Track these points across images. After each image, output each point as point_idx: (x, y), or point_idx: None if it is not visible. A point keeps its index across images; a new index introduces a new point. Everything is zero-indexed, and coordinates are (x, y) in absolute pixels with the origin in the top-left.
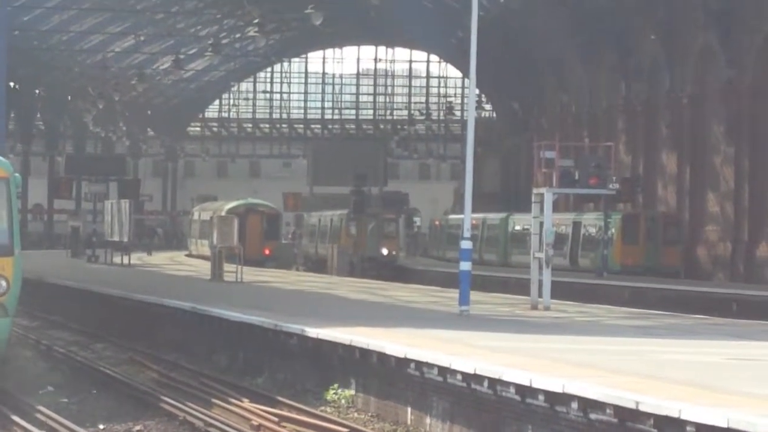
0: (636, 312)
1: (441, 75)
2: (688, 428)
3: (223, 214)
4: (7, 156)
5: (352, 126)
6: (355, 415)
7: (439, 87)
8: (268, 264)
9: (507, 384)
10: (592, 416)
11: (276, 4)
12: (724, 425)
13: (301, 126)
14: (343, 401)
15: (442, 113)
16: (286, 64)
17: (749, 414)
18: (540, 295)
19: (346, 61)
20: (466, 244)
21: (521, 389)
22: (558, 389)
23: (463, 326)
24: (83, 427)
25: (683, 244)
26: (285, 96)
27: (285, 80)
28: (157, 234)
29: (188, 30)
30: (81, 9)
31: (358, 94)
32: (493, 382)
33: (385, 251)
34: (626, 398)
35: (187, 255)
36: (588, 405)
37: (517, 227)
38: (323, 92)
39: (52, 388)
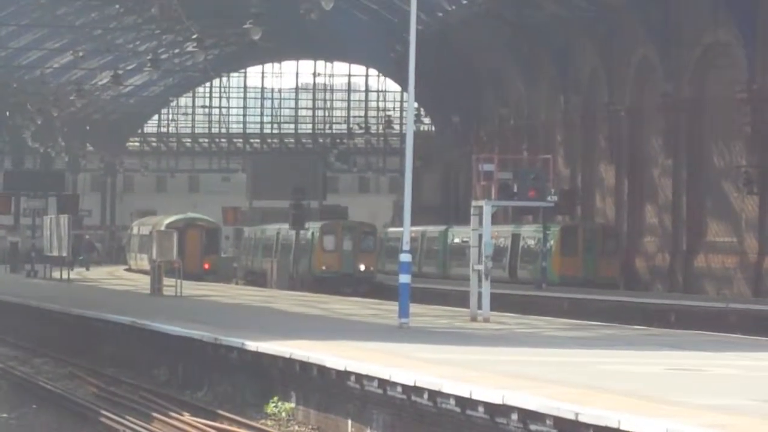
0: (575, 323)
1: (380, 89)
2: None
3: (162, 228)
4: None
5: (291, 140)
6: (296, 428)
7: (378, 101)
8: (207, 278)
9: (447, 396)
10: (532, 427)
11: (214, 19)
12: None
13: (240, 140)
14: (283, 414)
15: (381, 127)
16: (224, 79)
17: (688, 424)
18: (479, 307)
19: (285, 75)
20: (405, 257)
21: (461, 401)
22: (498, 401)
23: (403, 339)
24: None
25: (622, 255)
26: (224, 111)
27: (224, 95)
28: (96, 249)
29: (127, 45)
30: (19, 25)
31: (297, 108)
32: (434, 394)
33: (362, 267)
34: (566, 409)
35: (126, 269)
36: (528, 416)
37: (457, 240)
38: (262, 107)
39: None
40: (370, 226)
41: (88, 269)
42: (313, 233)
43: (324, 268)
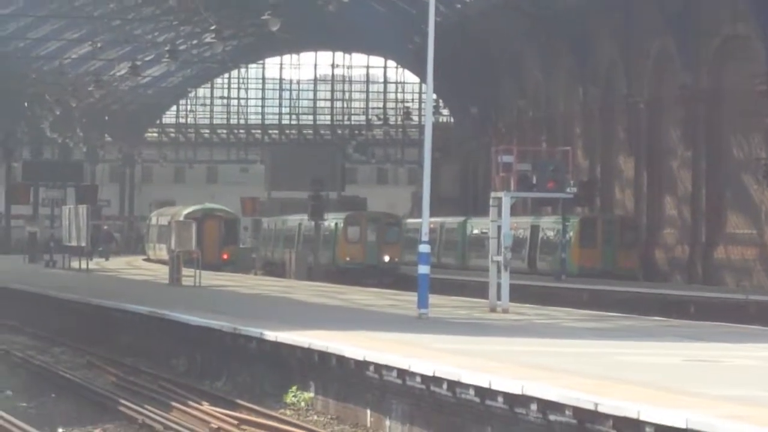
0: (594, 314)
1: (398, 80)
2: (647, 429)
3: (181, 218)
4: None
5: (310, 131)
6: (315, 417)
7: (396, 92)
8: (226, 268)
9: (466, 386)
10: (552, 418)
11: (233, 10)
12: (683, 426)
13: (259, 131)
14: (302, 404)
15: (399, 118)
16: (243, 70)
17: (708, 415)
18: (499, 298)
19: (303, 66)
20: (424, 248)
21: (480, 391)
22: (517, 391)
23: (422, 329)
24: (42, 431)
25: (641, 246)
26: (242, 102)
27: (242, 86)
28: (115, 239)
29: (145, 36)
30: (38, 16)
31: (315, 99)
32: (453, 385)
33: (387, 258)
34: (585, 400)
35: (145, 259)
36: (547, 406)
37: (475, 231)
38: (280, 98)
39: (11, 392)
40: (395, 216)
41: (107, 259)
42: (336, 224)
43: (348, 259)
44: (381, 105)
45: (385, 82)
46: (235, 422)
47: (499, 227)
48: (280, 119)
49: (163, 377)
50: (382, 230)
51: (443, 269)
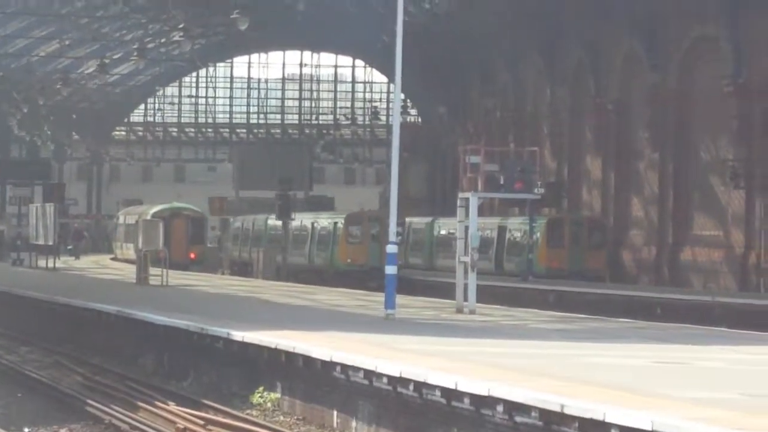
0: (561, 316)
1: (366, 80)
2: (612, 431)
3: (148, 218)
4: None
5: (278, 130)
6: (281, 418)
7: (364, 92)
8: (193, 268)
9: (432, 387)
10: (518, 419)
11: (201, 9)
12: (649, 428)
13: (227, 130)
14: (269, 404)
15: (367, 118)
16: (211, 69)
17: (673, 417)
18: (465, 299)
19: (272, 66)
20: (391, 249)
21: (447, 392)
22: (483, 392)
23: (389, 330)
24: (8, 431)
25: (608, 248)
26: (210, 100)
27: (210, 85)
28: (85, 237)
29: (113, 34)
30: (5, 13)
31: (283, 98)
32: (419, 386)
33: None
34: (551, 401)
35: (112, 258)
36: (513, 408)
37: (443, 231)
38: (249, 97)
39: None
40: (398, 216)
41: (77, 258)
42: (336, 224)
43: (349, 260)
44: (349, 104)
45: (353, 81)
46: (202, 422)
47: (467, 228)
48: (248, 118)
49: (130, 377)
50: (384, 231)
51: (411, 269)
